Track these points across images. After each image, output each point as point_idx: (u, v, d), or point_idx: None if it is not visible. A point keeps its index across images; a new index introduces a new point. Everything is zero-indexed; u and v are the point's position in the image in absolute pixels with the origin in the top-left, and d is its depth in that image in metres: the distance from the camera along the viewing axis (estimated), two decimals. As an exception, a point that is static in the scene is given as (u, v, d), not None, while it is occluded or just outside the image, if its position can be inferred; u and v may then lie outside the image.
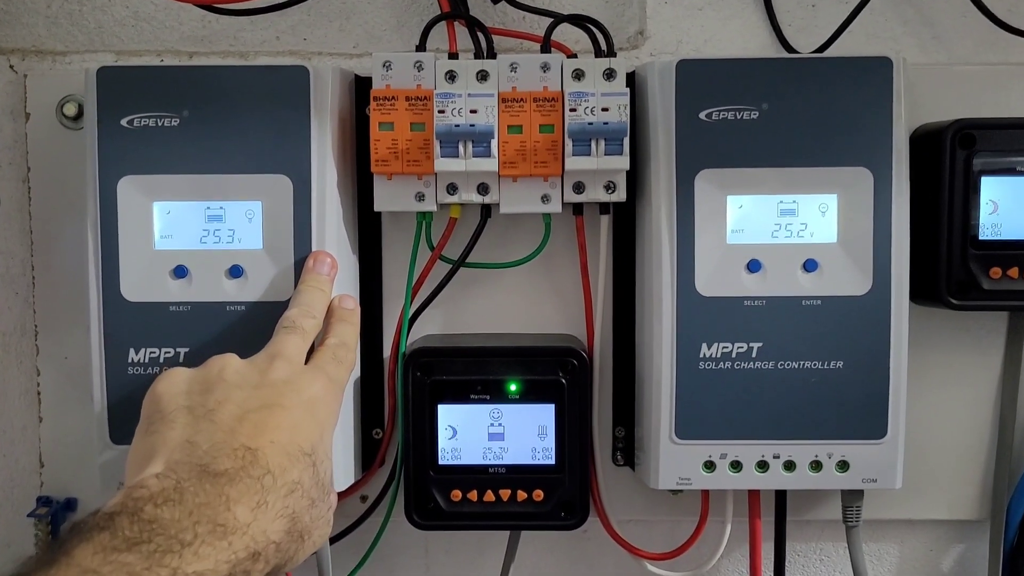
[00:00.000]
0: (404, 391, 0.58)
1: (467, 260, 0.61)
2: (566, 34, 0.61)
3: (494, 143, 0.56)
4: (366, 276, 0.63)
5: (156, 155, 0.57)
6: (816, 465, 0.57)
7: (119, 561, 0.35)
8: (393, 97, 0.57)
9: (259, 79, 0.57)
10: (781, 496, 0.62)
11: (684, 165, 0.56)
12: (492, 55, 0.59)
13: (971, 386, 0.65)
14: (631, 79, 0.60)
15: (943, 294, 0.59)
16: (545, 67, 0.57)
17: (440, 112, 0.56)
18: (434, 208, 0.59)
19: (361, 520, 0.64)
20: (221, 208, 0.58)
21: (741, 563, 0.68)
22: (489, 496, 0.58)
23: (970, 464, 0.65)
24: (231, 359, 0.48)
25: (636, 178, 0.60)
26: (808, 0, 0.66)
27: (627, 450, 0.64)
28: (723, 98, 0.56)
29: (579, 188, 0.58)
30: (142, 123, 0.57)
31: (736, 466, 0.58)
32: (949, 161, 0.58)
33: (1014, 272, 0.58)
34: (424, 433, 0.58)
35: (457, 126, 0.56)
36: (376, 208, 0.59)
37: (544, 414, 0.58)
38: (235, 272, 0.57)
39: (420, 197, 0.58)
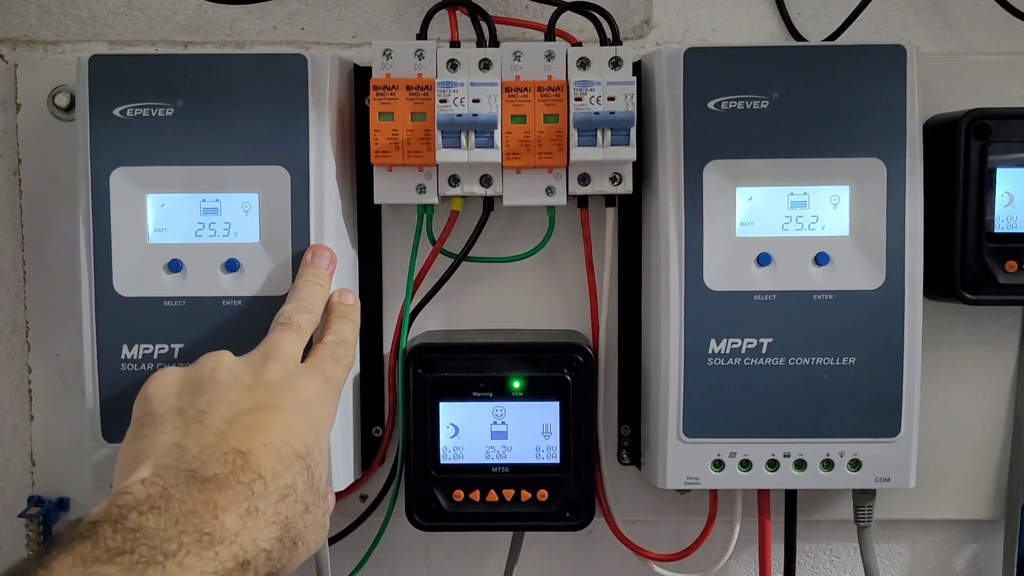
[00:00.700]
0: (405, 388, 0.57)
1: (469, 254, 0.60)
2: (571, 23, 0.60)
3: (497, 133, 0.55)
4: (366, 270, 0.62)
5: (150, 146, 0.56)
6: (828, 464, 0.56)
7: (99, 573, 0.34)
8: (393, 86, 0.55)
9: (256, 68, 0.55)
10: (791, 496, 0.61)
11: (692, 156, 0.55)
12: (495, 43, 0.58)
13: (985, 383, 0.63)
14: (637, 68, 0.59)
15: (957, 288, 0.57)
16: (549, 55, 0.56)
17: (442, 102, 0.54)
18: (435, 201, 0.57)
19: (361, 520, 0.63)
20: (217, 201, 0.56)
21: (750, 564, 0.66)
22: (492, 496, 0.57)
23: (984, 463, 0.64)
24: (224, 357, 0.47)
25: (643, 170, 0.59)
26: (817, -12, 0.64)
27: (633, 449, 0.62)
28: (732, 87, 0.55)
29: (584, 180, 0.57)
30: (135, 113, 0.55)
31: (746, 465, 0.56)
32: (964, 152, 0.56)
33: (1030, 266, 0.57)
34: (425, 431, 0.57)
35: (459, 116, 0.54)
36: (376, 201, 0.58)
37: (548, 412, 0.57)
38: (231, 266, 0.56)
39: (421, 189, 0.57)
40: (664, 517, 0.64)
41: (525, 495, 0.57)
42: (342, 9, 0.65)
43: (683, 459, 0.56)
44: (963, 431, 0.64)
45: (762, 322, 0.55)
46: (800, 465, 0.56)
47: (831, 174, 0.55)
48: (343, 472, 0.58)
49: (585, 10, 0.58)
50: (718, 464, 0.56)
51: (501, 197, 0.57)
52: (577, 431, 0.56)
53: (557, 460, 0.57)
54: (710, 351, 0.55)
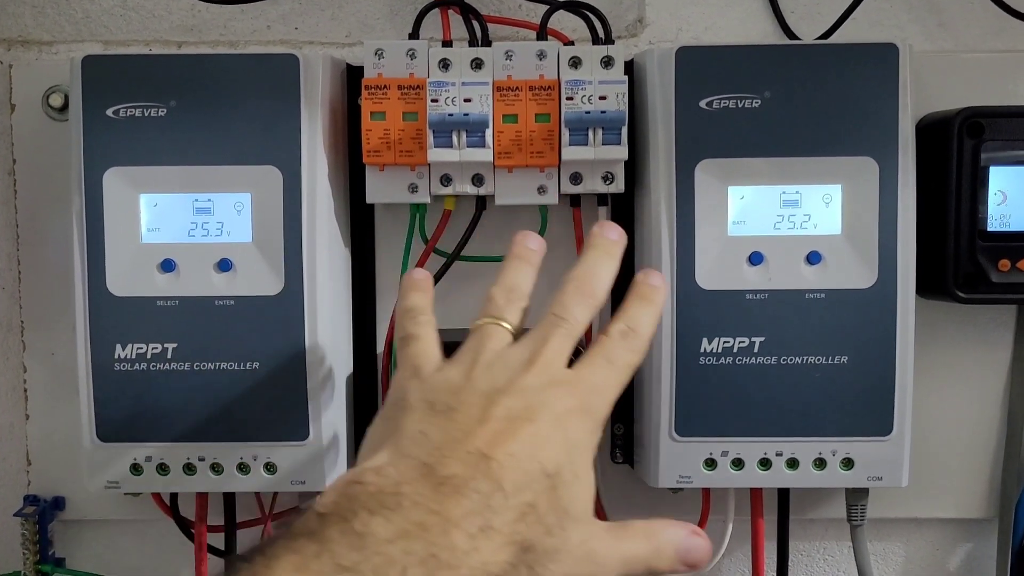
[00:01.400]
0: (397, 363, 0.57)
1: (462, 253, 0.60)
2: (563, 22, 0.60)
3: (488, 133, 0.55)
4: (359, 270, 0.62)
5: (142, 146, 0.56)
6: (820, 463, 0.56)
7: None
8: (385, 86, 0.55)
9: (248, 68, 0.55)
10: (784, 494, 0.61)
11: (684, 155, 0.55)
12: (487, 43, 0.58)
13: (979, 381, 0.63)
14: (629, 68, 0.59)
15: (950, 287, 0.57)
16: (541, 55, 0.56)
17: (433, 101, 0.55)
18: (427, 200, 0.57)
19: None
20: (209, 200, 0.56)
21: (743, 563, 0.66)
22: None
23: (978, 461, 0.64)
24: (484, 353, 0.42)
25: (635, 169, 0.59)
26: (811, -14, 0.64)
27: (626, 447, 0.62)
28: (724, 86, 0.55)
29: (576, 179, 0.57)
30: (128, 113, 0.56)
31: (738, 464, 0.56)
32: (957, 150, 0.56)
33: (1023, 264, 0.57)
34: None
35: (451, 115, 0.54)
36: (368, 200, 0.58)
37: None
38: (224, 266, 0.56)
39: (413, 189, 0.57)
40: (657, 516, 0.64)
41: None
42: (336, 8, 0.65)
43: (675, 458, 0.56)
44: (956, 430, 0.63)
45: (754, 321, 0.55)
46: (792, 464, 0.56)
47: (823, 173, 0.55)
48: (338, 471, 0.58)
49: (578, 9, 0.58)
50: (710, 463, 0.56)
51: (493, 196, 0.57)
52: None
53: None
54: (702, 350, 0.55)
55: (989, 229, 0.57)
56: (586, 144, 0.55)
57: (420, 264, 0.60)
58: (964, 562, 0.67)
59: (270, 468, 0.56)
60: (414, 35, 0.58)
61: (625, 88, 0.55)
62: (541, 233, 0.59)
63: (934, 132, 0.58)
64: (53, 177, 0.63)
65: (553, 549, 0.37)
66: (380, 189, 0.57)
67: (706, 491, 0.60)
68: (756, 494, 0.59)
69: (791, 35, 0.64)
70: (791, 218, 0.56)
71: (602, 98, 0.54)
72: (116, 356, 0.56)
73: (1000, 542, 0.64)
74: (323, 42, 0.65)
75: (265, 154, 0.55)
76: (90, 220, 0.56)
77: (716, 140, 0.55)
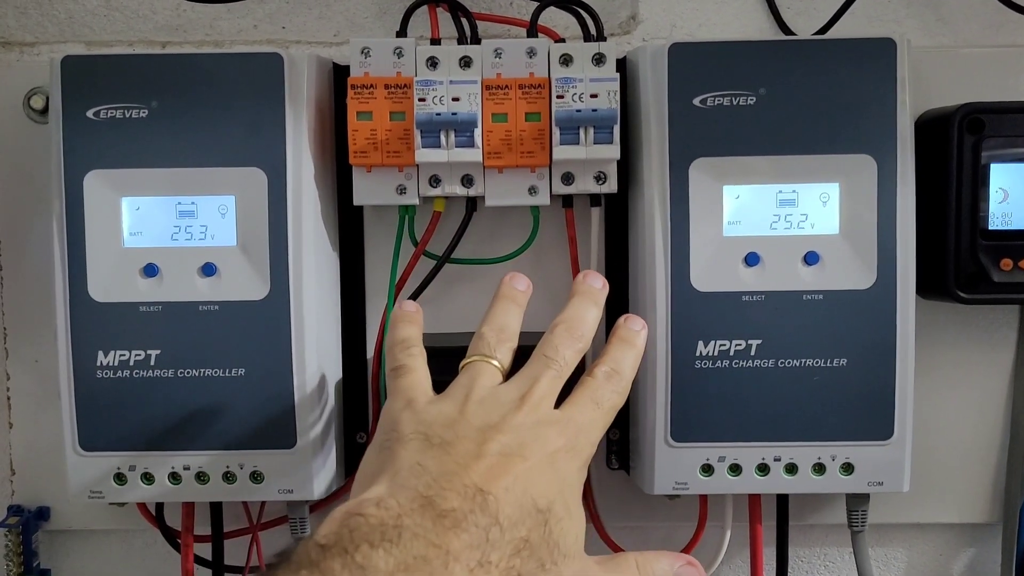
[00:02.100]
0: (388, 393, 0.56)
1: (452, 256, 0.59)
2: (555, 19, 0.59)
3: (477, 132, 0.53)
4: (347, 273, 0.61)
5: (124, 148, 0.54)
6: (819, 468, 0.55)
7: None
8: (371, 85, 0.54)
9: (231, 68, 0.54)
10: (783, 500, 0.59)
11: (678, 154, 0.54)
12: (476, 41, 0.57)
13: (981, 383, 0.62)
14: (622, 65, 0.57)
15: (951, 287, 0.56)
16: (531, 52, 0.54)
17: (420, 100, 0.53)
18: (416, 201, 0.56)
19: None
20: (193, 203, 0.55)
21: (742, 570, 0.65)
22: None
23: (981, 465, 0.63)
24: (476, 389, 0.43)
25: (628, 168, 0.57)
26: (807, -19, 0.63)
27: (622, 453, 0.61)
28: (719, 83, 0.53)
29: (568, 179, 0.55)
30: (109, 115, 0.54)
31: (735, 469, 0.55)
32: (957, 147, 0.55)
33: (1026, 263, 0.56)
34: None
35: (438, 115, 0.53)
36: (356, 202, 0.56)
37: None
38: (208, 270, 0.55)
39: (401, 190, 0.56)
40: (653, 523, 0.63)
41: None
42: (323, 7, 0.64)
43: (671, 464, 0.55)
44: (959, 433, 0.62)
45: (751, 323, 0.54)
46: (791, 469, 0.55)
47: (820, 171, 0.54)
48: (327, 479, 0.57)
49: (569, 6, 0.57)
50: (707, 469, 0.55)
51: (483, 197, 0.56)
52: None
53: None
54: (697, 353, 0.54)
55: (990, 227, 0.56)
56: (577, 143, 0.53)
57: (409, 267, 0.59)
58: (967, 568, 0.66)
59: (256, 477, 0.55)
60: (402, 33, 0.57)
61: (617, 86, 0.53)
62: (533, 234, 0.58)
63: (934, 129, 0.56)
64: (35, 181, 0.62)
65: None
66: (367, 191, 0.56)
67: (703, 497, 0.59)
68: (754, 500, 0.58)
69: (787, 31, 0.62)
70: (788, 218, 0.54)
71: (593, 96, 0.53)
72: (98, 363, 0.55)
73: (1004, 547, 0.62)
74: (310, 41, 0.64)
75: (250, 155, 0.54)
76: (71, 224, 0.54)
77: (710, 138, 0.53)
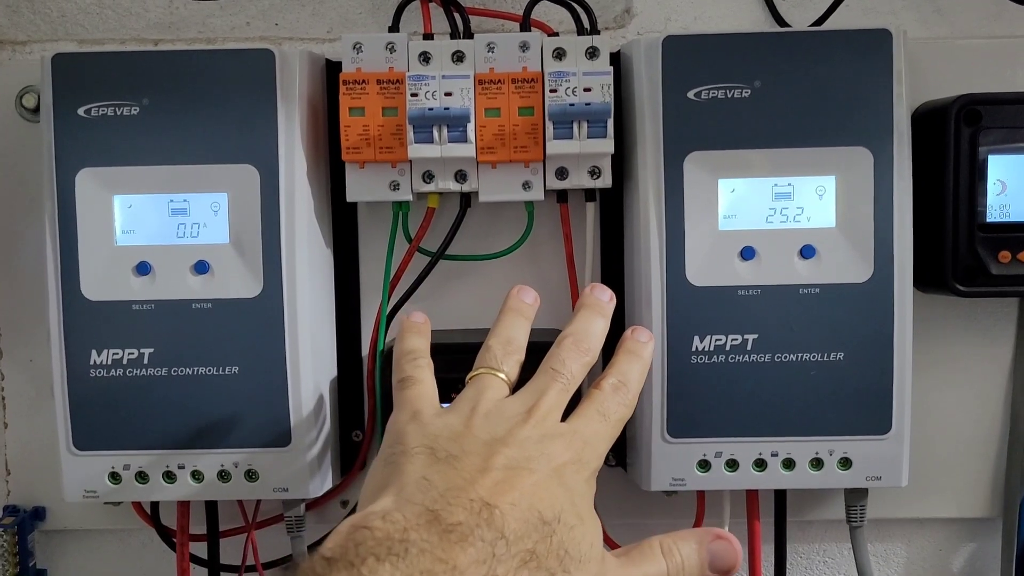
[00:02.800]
0: (384, 391, 0.55)
1: (447, 252, 0.59)
2: (548, 14, 0.58)
3: (470, 127, 0.53)
4: (342, 271, 0.60)
5: (116, 146, 0.54)
6: (817, 463, 0.54)
7: None
8: (363, 80, 0.54)
9: (222, 64, 0.54)
10: (781, 496, 0.59)
11: (672, 147, 0.53)
12: (469, 35, 0.56)
13: (980, 377, 0.62)
14: (616, 60, 0.57)
15: (949, 280, 0.56)
16: (524, 46, 0.54)
17: (413, 95, 0.53)
18: (410, 197, 0.56)
19: (341, 526, 0.61)
20: (185, 201, 0.55)
21: (740, 567, 0.65)
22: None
23: (980, 459, 0.62)
24: (483, 403, 0.43)
25: (623, 162, 0.57)
26: (803, -27, 0.62)
27: (619, 450, 0.61)
28: (713, 76, 0.53)
29: (562, 174, 0.55)
30: (100, 112, 0.54)
31: (732, 465, 0.54)
32: (954, 139, 0.55)
33: (1024, 256, 0.55)
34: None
35: (431, 110, 0.53)
36: (349, 198, 0.56)
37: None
38: (201, 268, 0.55)
39: (395, 186, 0.55)
40: (651, 520, 0.62)
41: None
42: (317, 4, 0.64)
43: (668, 460, 0.55)
44: (958, 427, 0.62)
45: (747, 318, 0.53)
46: (788, 464, 0.54)
47: (816, 164, 0.53)
48: (323, 477, 0.56)
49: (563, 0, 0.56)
50: (704, 464, 0.55)
51: (477, 193, 0.56)
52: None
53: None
54: (693, 348, 0.54)
55: (988, 220, 0.55)
56: (571, 138, 0.53)
57: (404, 264, 0.58)
58: (967, 563, 0.65)
59: (251, 475, 0.55)
60: (394, 28, 0.57)
61: (610, 79, 0.53)
62: (527, 230, 0.58)
63: (930, 120, 0.56)
64: (28, 180, 0.61)
65: None
66: (361, 187, 0.56)
67: (701, 493, 0.59)
68: (752, 496, 0.58)
69: (782, 23, 0.62)
70: (784, 211, 0.54)
71: (587, 90, 0.53)
72: (92, 362, 0.54)
73: (1004, 542, 0.62)
74: (303, 38, 0.64)
75: (242, 152, 0.54)
76: (63, 223, 0.54)
77: (705, 132, 0.53)
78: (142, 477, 0.55)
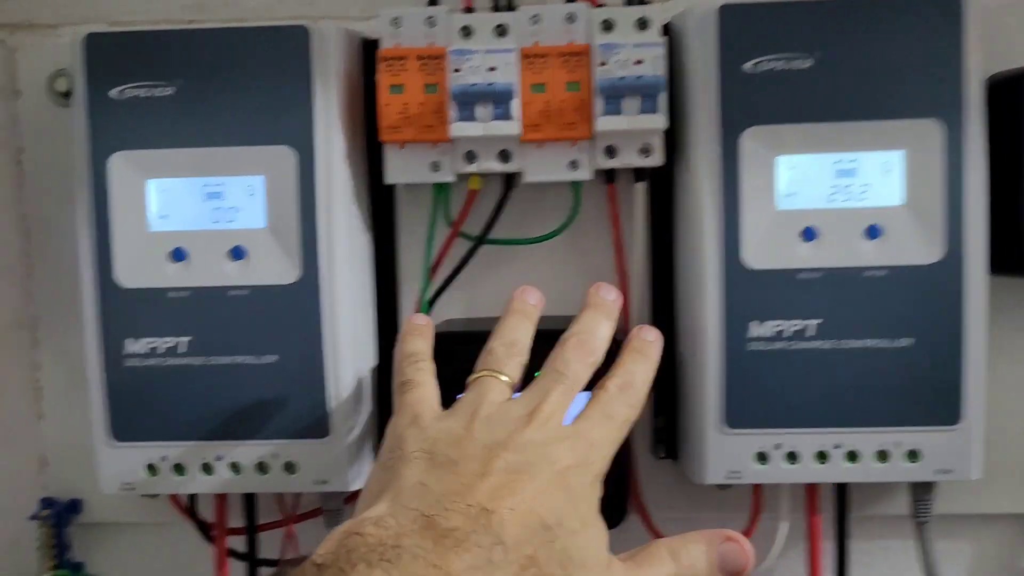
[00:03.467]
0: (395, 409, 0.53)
1: (489, 236, 0.56)
2: (594, -16, 0.56)
3: (515, 104, 0.51)
4: (380, 255, 0.58)
5: (149, 128, 0.53)
6: (882, 455, 0.51)
7: None
8: (403, 56, 0.52)
9: (256, 42, 0.52)
10: (842, 490, 0.56)
11: (728, 123, 0.50)
12: (512, 7, 0.54)
13: (1056, 365, 0.58)
14: (668, 31, 0.54)
15: (1025, 262, 0.52)
16: (570, 18, 0.52)
17: (455, 71, 0.51)
18: (451, 178, 0.54)
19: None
20: (220, 184, 0.53)
21: (797, 563, 0.62)
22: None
23: (1055, 452, 0.59)
24: (484, 406, 0.42)
25: (675, 139, 0.54)
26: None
27: (669, 442, 0.58)
28: (771, 46, 0.50)
29: (611, 152, 0.53)
30: (133, 94, 0.52)
31: (792, 457, 0.52)
32: (1030, 110, 0.51)
33: (1107, 235, 0.52)
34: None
35: (474, 86, 0.50)
36: (388, 180, 0.54)
37: (576, 405, 0.53)
38: (237, 254, 0.53)
39: (436, 167, 0.53)
40: (704, 514, 0.60)
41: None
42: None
43: (724, 452, 0.52)
44: (1031, 418, 0.58)
45: (808, 302, 0.51)
46: (852, 457, 0.51)
47: (882, 138, 0.50)
48: (361, 469, 0.55)
49: (609, -31, 0.54)
50: (762, 457, 0.52)
51: (521, 173, 0.53)
52: (608, 423, 0.52)
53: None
54: (751, 335, 0.51)
55: (1067, 197, 0.52)
56: (621, 113, 0.50)
57: (444, 249, 0.56)
58: (1040, 561, 0.62)
59: (290, 467, 0.53)
60: (433, 2, 0.55)
61: (663, 51, 0.50)
62: (574, 212, 0.55)
63: (1006, 90, 0.52)
64: (61, 166, 0.60)
65: None
66: (400, 168, 0.54)
67: (757, 487, 0.56)
68: (811, 490, 0.55)
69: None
70: (847, 189, 0.51)
71: (638, 63, 0.50)
72: (127, 351, 0.53)
73: (1080, 539, 0.59)
74: (338, 16, 0.61)
75: (277, 133, 0.52)
76: (97, 208, 0.53)
77: (763, 105, 0.50)
78: (179, 469, 0.54)
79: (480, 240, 0.56)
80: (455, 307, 0.59)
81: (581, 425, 0.42)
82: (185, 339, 0.53)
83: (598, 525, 0.40)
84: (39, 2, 0.63)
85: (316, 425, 0.53)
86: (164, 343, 0.53)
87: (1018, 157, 0.51)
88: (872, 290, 0.51)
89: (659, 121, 0.51)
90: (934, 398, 0.51)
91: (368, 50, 0.56)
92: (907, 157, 0.50)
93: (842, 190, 0.51)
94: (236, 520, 0.58)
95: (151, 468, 0.54)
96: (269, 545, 0.59)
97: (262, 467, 0.53)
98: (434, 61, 0.52)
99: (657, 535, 0.57)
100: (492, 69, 0.51)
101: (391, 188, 0.58)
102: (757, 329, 0.51)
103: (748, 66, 0.50)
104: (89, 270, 0.53)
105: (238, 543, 0.59)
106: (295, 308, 0.53)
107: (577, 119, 0.51)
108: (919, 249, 0.50)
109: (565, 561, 0.37)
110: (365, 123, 0.56)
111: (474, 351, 0.51)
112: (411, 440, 0.41)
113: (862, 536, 0.62)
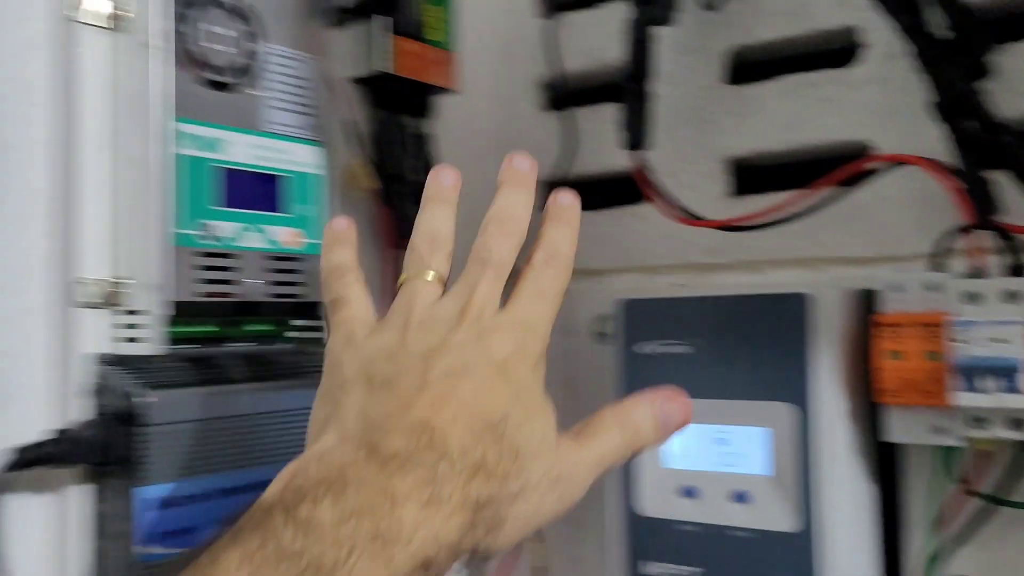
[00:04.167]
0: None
1: (1004, 497, 0.53)
2: None
3: (1021, 377, 0.48)
4: (884, 507, 0.59)
5: (669, 380, 0.60)
6: None
7: None
8: (902, 324, 0.53)
9: (761, 308, 0.58)
10: None
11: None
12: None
13: None
14: None
15: None
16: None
17: (958, 341, 0.50)
18: (957, 443, 0.52)
19: None
20: (728, 432, 0.59)
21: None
22: None
23: None
24: (415, 311, 0.42)
25: None
26: None
27: None
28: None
29: None
30: (659, 350, 0.62)
31: None
32: None
33: None
34: None
35: (980, 358, 0.49)
36: (887, 439, 0.55)
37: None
38: (742, 497, 0.58)
39: (939, 430, 0.53)
40: None
41: None
42: (859, 221, 0.64)
43: None
44: None
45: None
46: None
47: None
48: None
49: None
50: None
51: (1038, 442, 0.50)
52: None
53: None
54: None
55: None
56: None
57: (952, 507, 0.54)
58: None
59: None
60: (937, 257, 0.55)
61: None
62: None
63: None
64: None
65: (513, 493, 0.37)
66: (902, 428, 0.54)
67: None
68: None
69: None
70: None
71: None
72: (641, 572, 0.61)
73: None
74: (841, 258, 0.64)
75: (780, 390, 0.57)
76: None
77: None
78: None
79: (997, 501, 0.53)
80: (963, 564, 0.56)
81: (514, 308, 0.42)
82: (697, 570, 0.59)
83: (545, 409, 0.40)
84: (592, 251, 0.76)
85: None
86: (678, 570, 0.60)
87: None
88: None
89: None
90: None
91: (868, 300, 0.58)
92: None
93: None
94: None
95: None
96: None
97: None
98: (935, 328, 0.52)
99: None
100: (1001, 340, 0.49)
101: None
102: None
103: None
104: (614, 496, 0.63)
105: None
106: (795, 554, 0.56)
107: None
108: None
109: (514, 455, 0.38)
110: (866, 374, 0.58)
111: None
112: (348, 363, 0.41)
113: None
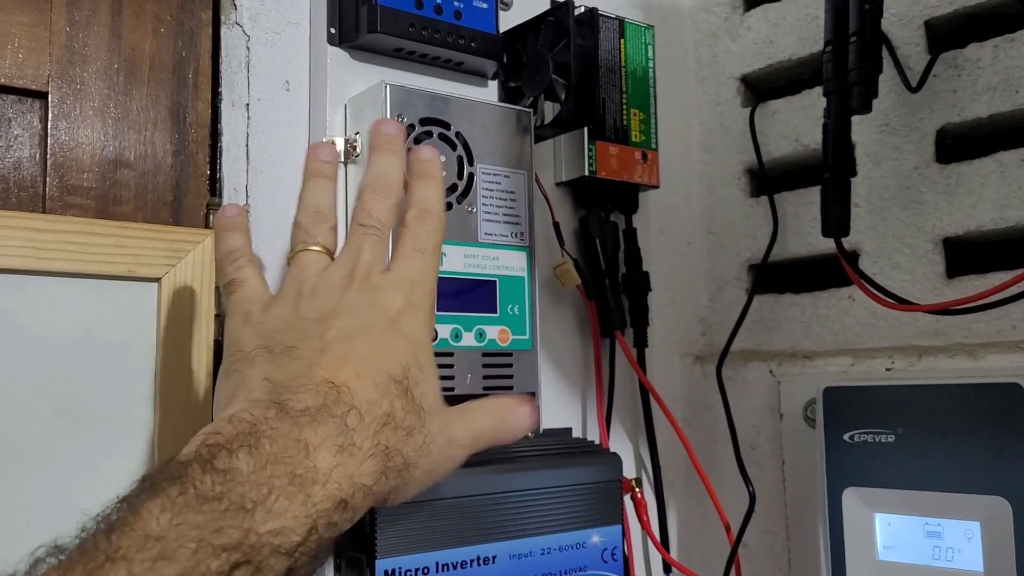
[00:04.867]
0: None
1: None
2: None
3: None
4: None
5: (875, 469, 0.60)
6: None
7: (186, 523, 0.32)
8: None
9: (970, 396, 0.56)
10: None
11: None
12: None
13: None
14: None
15: None
16: None
17: None
18: None
19: None
20: (939, 525, 0.58)
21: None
22: None
23: None
24: (306, 281, 0.44)
25: None
26: None
27: None
28: None
29: None
30: (862, 438, 0.61)
31: None
32: None
33: None
34: None
35: None
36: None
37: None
38: (960, 591, 0.56)
39: None
40: None
41: None
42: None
43: None
44: None
45: None
46: None
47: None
48: None
49: None
50: None
51: None
52: None
53: None
54: None
55: None
56: None
57: None
58: None
59: None
60: None
61: None
62: None
63: None
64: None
65: (418, 446, 0.40)
66: None
67: None
68: None
69: None
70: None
71: None
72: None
73: None
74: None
75: (992, 483, 0.55)
76: (832, 534, 0.62)
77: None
78: None
79: None
80: None
81: (397, 267, 0.44)
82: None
83: (433, 371, 0.43)
84: (803, 333, 0.76)
85: None
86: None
87: None
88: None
89: None
90: None
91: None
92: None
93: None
94: None
95: None
96: None
97: None
98: None
99: None
100: None
101: None
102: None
103: None
104: (829, 587, 0.62)
105: None
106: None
107: None
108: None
109: (418, 409, 0.40)
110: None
111: None
112: (247, 339, 0.42)
113: None
